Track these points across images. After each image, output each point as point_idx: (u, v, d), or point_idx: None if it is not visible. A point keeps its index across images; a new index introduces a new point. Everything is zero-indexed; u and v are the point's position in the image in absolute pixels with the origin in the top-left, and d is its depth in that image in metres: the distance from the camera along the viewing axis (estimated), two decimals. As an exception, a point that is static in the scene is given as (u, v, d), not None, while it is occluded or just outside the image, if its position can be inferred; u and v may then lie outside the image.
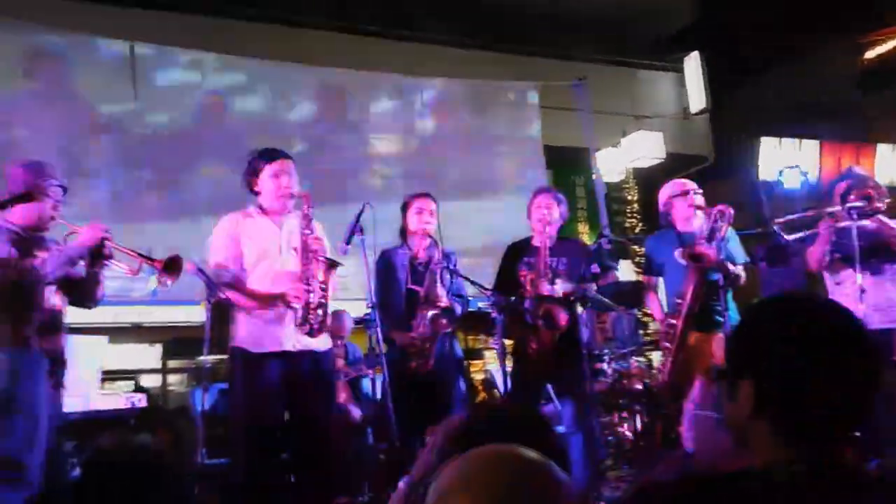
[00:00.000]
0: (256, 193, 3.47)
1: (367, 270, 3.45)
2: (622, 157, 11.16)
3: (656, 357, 6.70)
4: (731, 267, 3.91)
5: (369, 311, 3.51)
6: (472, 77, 7.84)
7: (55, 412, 3.27)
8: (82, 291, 3.38)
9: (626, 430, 5.59)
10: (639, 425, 5.46)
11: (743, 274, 4.02)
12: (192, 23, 9.72)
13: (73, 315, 3.48)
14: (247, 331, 3.32)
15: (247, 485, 3.21)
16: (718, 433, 1.63)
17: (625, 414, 5.68)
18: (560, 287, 3.98)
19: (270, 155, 3.46)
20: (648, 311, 5.20)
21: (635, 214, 11.20)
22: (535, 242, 4.16)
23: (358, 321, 5.10)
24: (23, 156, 3.87)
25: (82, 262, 3.27)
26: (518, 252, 4.22)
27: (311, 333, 3.25)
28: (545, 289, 3.95)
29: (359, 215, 3.42)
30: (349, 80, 7.26)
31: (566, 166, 11.40)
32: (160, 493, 1.38)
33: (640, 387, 5.61)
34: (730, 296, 4.00)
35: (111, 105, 6.37)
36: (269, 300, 3.29)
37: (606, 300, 4.62)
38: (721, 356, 3.76)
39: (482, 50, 10.77)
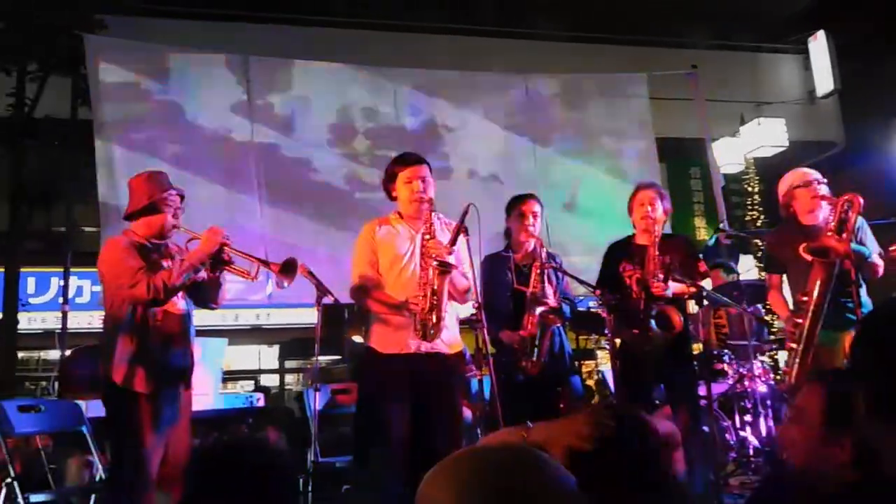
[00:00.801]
0: (394, 199, 3.53)
1: (473, 272, 3.42)
2: (741, 146, 10.66)
3: (783, 357, 6.34)
4: (865, 259, 3.62)
5: (475, 311, 3.49)
6: (580, 71, 7.69)
7: (186, 409, 3.44)
8: (205, 294, 3.54)
9: (749, 435, 5.32)
10: (763, 430, 5.18)
11: (880, 265, 3.71)
12: (302, 34, 10.10)
13: (197, 317, 3.66)
14: (378, 332, 3.40)
15: (367, 483, 3.27)
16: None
17: (748, 418, 5.40)
18: (672, 286, 3.82)
19: (404, 160, 3.51)
20: (772, 308, 4.90)
21: (756, 207, 10.68)
22: (639, 241, 4.03)
23: (464, 322, 5.10)
24: (165, 167, 4.08)
25: (204, 267, 3.41)
26: (619, 252, 4.10)
27: (425, 337, 3.26)
28: (656, 289, 3.80)
29: (463, 216, 3.40)
30: (456, 80, 7.27)
31: (681, 158, 11.00)
32: (273, 490, 1.40)
33: (764, 389, 5.33)
34: (863, 291, 3.71)
35: (228, 118, 6.65)
36: (396, 306, 3.34)
37: (722, 297, 4.42)
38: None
39: (590, 43, 10.60)
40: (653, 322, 3.80)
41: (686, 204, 11.15)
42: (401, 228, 3.48)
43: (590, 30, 10.74)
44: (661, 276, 3.81)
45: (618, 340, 4.01)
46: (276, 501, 1.38)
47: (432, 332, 3.24)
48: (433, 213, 3.36)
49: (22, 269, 9.49)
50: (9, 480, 3.96)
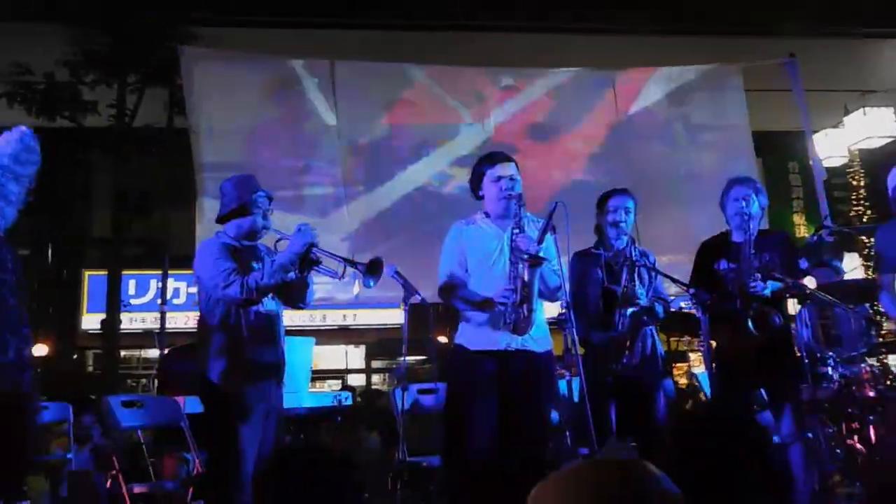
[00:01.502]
0: (480, 198, 3.52)
1: (561, 270, 3.34)
2: (845, 138, 10.13)
3: (892, 361, 5.97)
4: None
5: (563, 311, 3.41)
6: (670, 64, 7.44)
7: (279, 407, 3.51)
8: (293, 294, 3.59)
9: (856, 443, 5.00)
10: (872, 437, 4.87)
11: None
12: (387, 37, 10.22)
13: (285, 318, 3.72)
14: (468, 330, 3.40)
15: (459, 480, 3.24)
16: None
17: (855, 424, 5.09)
18: (770, 286, 3.63)
19: (491, 159, 3.51)
20: (882, 310, 4.60)
21: (862, 202, 10.12)
22: (734, 238, 3.88)
23: (552, 322, 5.01)
24: (266, 177, 4.18)
25: (293, 267, 3.47)
26: (713, 250, 3.93)
27: (517, 330, 3.24)
28: (753, 288, 3.62)
29: (551, 214, 3.33)
30: (534, 78, 7.17)
31: (778, 152, 10.54)
32: (361, 488, 1.42)
33: (872, 394, 5.01)
34: None
35: (316, 119, 6.77)
36: (479, 303, 3.34)
37: (826, 296, 4.17)
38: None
39: (679, 35, 10.28)
40: (750, 323, 3.61)
41: (784, 200, 10.70)
42: (488, 227, 3.47)
43: (675, 22, 10.41)
44: (759, 274, 3.64)
45: (713, 342, 3.84)
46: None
47: (523, 325, 3.22)
48: (522, 207, 3.33)
49: (123, 272, 10.00)
50: (114, 472, 4.14)
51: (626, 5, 10.35)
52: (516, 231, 3.28)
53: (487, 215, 3.50)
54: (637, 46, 10.00)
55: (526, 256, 3.19)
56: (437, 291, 3.50)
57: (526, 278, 3.21)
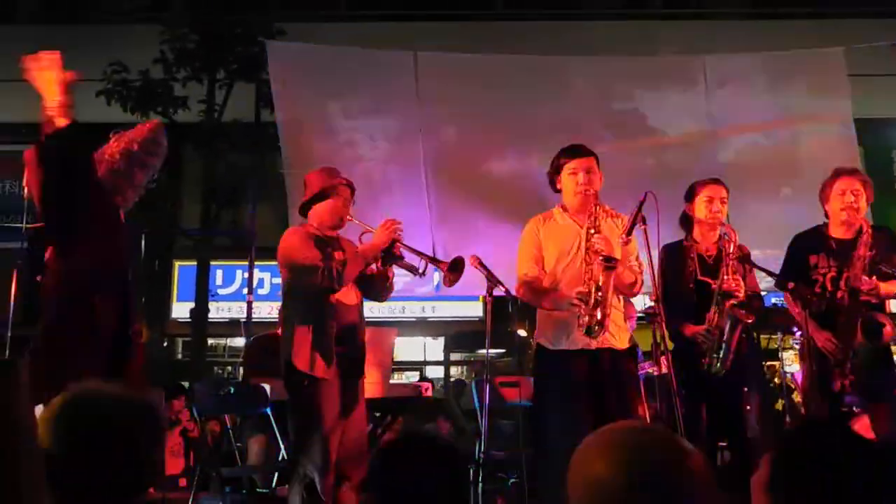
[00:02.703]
0: (558, 191, 3.49)
1: (651, 263, 3.22)
2: (953, 125, 9.48)
3: None
4: None
5: (653, 305, 3.30)
6: (768, 48, 7.10)
7: (361, 395, 3.54)
8: (373, 287, 3.62)
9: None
10: None
11: None
12: (468, 29, 10.17)
13: (367, 309, 3.74)
14: (546, 328, 3.37)
15: (548, 480, 3.20)
16: None
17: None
18: (883, 287, 3.42)
19: (570, 152, 3.46)
20: None
21: (972, 192, 9.45)
22: (834, 233, 3.69)
23: (641, 316, 4.87)
24: (350, 169, 4.22)
25: (375, 260, 3.48)
26: (810, 243, 3.74)
27: (590, 333, 3.17)
28: (866, 285, 3.42)
29: (640, 205, 3.22)
30: (631, 66, 6.98)
31: (882, 140, 9.94)
32: (442, 481, 1.40)
33: None
34: None
35: (402, 112, 6.77)
36: (556, 302, 3.31)
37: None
38: None
39: (777, 19, 9.81)
40: (862, 335, 3.42)
41: (887, 191, 10.07)
42: (565, 222, 3.42)
43: (775, 4, 9.95)
44: (872, 276, 3.46)
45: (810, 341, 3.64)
46: (449, 492, 1.40)
47: (597, 328, 3.15)
48: (597, 206, 3.28)
49: (211, 263, 10.33)
50: (203, 455, 4.27)
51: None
52: (591, 231, 3.23)
53: (565, 209, 3.45)
54: (734, 30, 9.61)
55: (601, 259, 3.13)
56: (516, 288, 3.47)
57: (600, 282, 3.14)
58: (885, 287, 3.51)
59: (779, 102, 6.67)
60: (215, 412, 4.94)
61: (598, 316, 3.13)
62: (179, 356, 12.32)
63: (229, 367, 12.11)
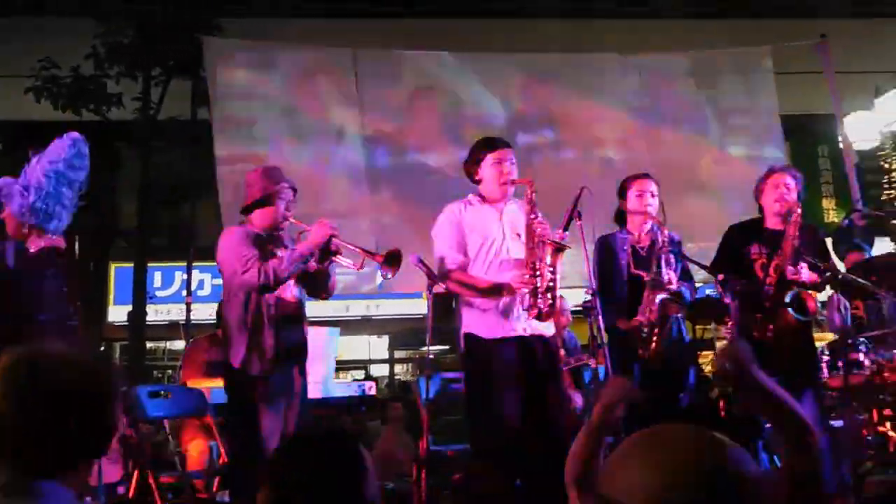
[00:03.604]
0: (478, 182, 3.50)
1: (587, 257, 3.30)
2: (876, 120, 9.91)
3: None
4: None
5: (589, 298, 3.37)
6: (698, 47, 7.32)
7: (302, 394, 3.51)
8: (315, 284, 3.61)
9: (889, 430, 4.90)
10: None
11: None
12: (410, 26, 10.16)
13: (309, 309, 3.72)
14: (479, 317, 3.33)
15: (488, 467, 3.21)
16: None
17: (887, 411, 4.99)
18: (806, 272, 3.57)
19: (491, 144, 3.49)
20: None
21: (894, 185, 9.91)
22: (770, 225, 3.83)
23: (577, 309, 4.97)
24: (289, 168, 4.17)
25: (313, 257, 3.47)
26: (746, 234, 3.88)
27: (541, 317, 3.20)
28: (790, 273, 3.56)
29: (576, 200, 3.29)
30: (564, 64, 7.10)
31: (808, 136, 10.36)
32: (337, 476, 1.42)
33: (905, 380, 4.90)
34: None
35: (340, 111, 6.75)
36: (494, 288, 3.29)
37: (863, 282, 4.09)
38: None
39: (707, 18, 10.13)
40: (791, 309, 3.56)
41: (813, 185, 10.52)
42: (485, 210, 3.44)
43: (706, 5, 10.28)
44: (801, 263, 3.62)
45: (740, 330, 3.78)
46: (344, 487, 1.39)
47: (549, 311, 3.18)
48: (534, 193, 3.31)
49: (149, 264, 10.09)
50: (141, 462, 4.18)
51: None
52: (533, 217, 3.26)
53: (482, 198, 3.47)
54: (667, 30, 9.87)
55: (550, 241, 3.16)
56: (441, 276, 3.41)
57: (549, 264, 3.18)
58: (808, 276, 3.66)
59: (709, 99, 6.88)
60: (154, 417, 4.84)
61: (550, 299, 3.17)
62: (117, 361, 12.01)
63: (169, 371, 11.87)
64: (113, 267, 11.46)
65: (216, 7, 9.27)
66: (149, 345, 10.98)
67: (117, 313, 10.99)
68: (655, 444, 1.05)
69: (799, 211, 3.70)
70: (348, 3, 10.99)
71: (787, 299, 3.58)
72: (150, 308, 9.99)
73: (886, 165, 10.05)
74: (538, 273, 3.18)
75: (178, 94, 9.35)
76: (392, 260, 3.41)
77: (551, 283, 3.18)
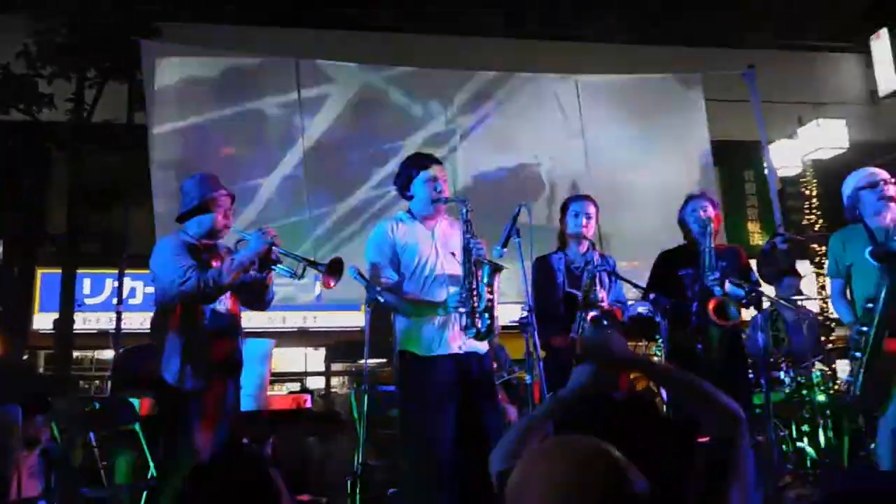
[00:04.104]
0: (409, 198, 3.49)
1: (524, 274, 3.36)
2: (798, 148, 10.39)
3: (841, 367, 6.13)
4: None
5: (525, 315, 3.44)
6: (632, 72, 7.56)
7: (235, 408, 3.47)
8: (253, 295, 3.56)
9: (807, 446, 5.13)
10: (822, 440, 5.00)
11: None
12: (353, 38, 10.16)
13: (245, 319, 3.67)
14: (414, 334, 3.32)
15: (422, 486, 3.22)
16: None
17: (806, 428, 5.22)
18: (728, 287, 3.74)
19: (423, 161, 3.49)
20: (835, 316, 4.74)
21: (814, 211, 10.39)
22: (692, 247, 4.00)
23: (513, 325, 5.05)
24: (228, 176, 4.10)
25: (253, 267, 3.42)
26: (673, 259, 4.06)
27: (479, 337, 3.22)
28: (709, 280, 3.77)
29: (514, 218, 3.35)
30: (504, 82, 7.22)
31: (735, 162, 10.80)
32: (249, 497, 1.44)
33: (823, 398, 5.14)
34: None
35: (280, 119, 6.71)
36: (430, 305, 3.29)
37: (783, 302, 4.30)
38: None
39: (642, 44, 10.48)
40: (711, 313, 3.70)
41: (740, 208, 10.94)
42: (418, 227, 3.44)
43: (642, 30, 10.63)
44: (717, 273, 3.78)
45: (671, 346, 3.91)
46: None
47: (485, 331, 3.19)
48: (469, 212, 3.32)
49: (78, 271, 9.76)
50: (66, 475, 4.05)
51: (592, 14, 10.53)
52: (469, 236, 3.27)
53: (412, 216, 3.47)
54: (602, 54, 10.15)
55: (488, 262, 3.20)
56: (377, 294, 3.36)
57: (487, 283, 3.21)
58: (730, 289, 3.82)
59: (643, 122, 7.11)
60: (79, 429, 4.69)
61: (489, 320, 3.19)
62: (41, 370, 11.55)
63: (96, 381, 11.48)
64: (39, 273, 11.05)
65: (155, 10, 9.08)
66: (76, 354, 10.60)
67: (43, 321, 10.58)
68: (556, 457, 1.13)
69: (713, 225, 3.88)
70: (291, 12, 10.94)
71: (710, 307, 3.72)
72: (77, 316, 9.66)
73: (808, 192, 10.54)
74: (476, 293, 3.20)
75: (114, 97, 9.11)
76: (334, 269, 3.37)
77: (489, 304, 3.20)
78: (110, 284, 10.75)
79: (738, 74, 7.13)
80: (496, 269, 3.23)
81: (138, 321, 9.80)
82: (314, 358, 12.64)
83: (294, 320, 11.27)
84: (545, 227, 4.10)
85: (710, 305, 3.72)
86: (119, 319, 7.89)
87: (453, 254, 3.36)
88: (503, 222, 3.48)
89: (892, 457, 3.60)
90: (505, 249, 3.40)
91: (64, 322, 9.35)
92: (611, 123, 7.06)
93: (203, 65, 6.69)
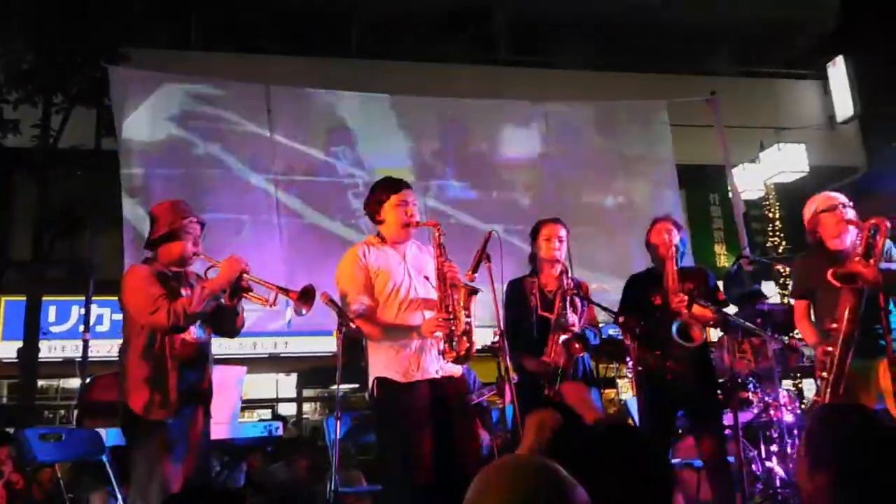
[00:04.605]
0: (379, 223, 3.49)
1: (496, 298, 3.38)
2: (761, 172, 10.62)
3: (808, 386, 6.23)
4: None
5: (496, 339, 3.46)
6: (600, 98, 7.72)
7: (205, 437, 3.42)
8: (223, 323, 3.52)
9: (776, 466, 5.20)
10: (790, 460, 5.06)
11: None
12: (323, 65, 10.21)
13: (216, 346, 3.64)
14: (391, 361, 3.29)
15: None
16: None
17: (774, 448, 5.29)
18: (695, 309, 3.80)
19: (394, 185, 3.48)
20: (799, 337, 4.83)
21: (777, 233, 10.61)
22: (659, 270, 4.05)
23: (486, 349, 5.06)
24: (198, 202, 4.07)
25: (223, 295, 3.40)
26: (641, 283, 4.12)
27: (458, 361, 3.21)
28: (677, 304, 3.81)
29: (485, 243, 3.38)
30: (474, 109, 7.31)
31: (700, 185, 11.01)
32: None
33: (791, 418, 5.22)
34: (894, 317, 3.64)
35: (250, 146, 6.70)
36: (404, 330, 3.28)
37: (748, 324, 4.37)
38: (887, 384, 3.44)
39: (609, 70, 10.70)
40: (675, 332, 3.75)
41: (706, 231, 11.13)
42: (389, 252, 3.43)
43: (608, 57, 10.86)
44: (684, 297, 3.82)
45: (640, 369, 3.96)
46: None
47: (463, 354, 3.17)
48: (442, 236, 3.33)
49: (43, 298, 9.58)
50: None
51: (556, 41, 10.73)
52: (442, 259, 3.27)
53: (383, 240, 3.45)
54: (570, 81, 10.32)
55: (463, 285, 3.20)
56: (351, 318, 3.32)
57: (464, 307, 3.21)
58: (698, 309, 3.88)
59: (612, 147, 7.24)
60: (45, 461, 4.58)
61: (467, 343, 3.18)
62: (5, 400, 11.28)
63: (62, 411, 11.22)
64: (3, 300, 10.83)
65: (123, 36, 9.04)
66: (41, 383, 10.36)
67: (6, 349, 10.34)
68: (505, 475, 1.22)
69: (674, 249, 3.94)
70: (260, 40, 10.97)
71: (674, 329, 3.78)
72: (42, 344, 9.46)
73: (771, 214, 10.76)
74: (454, 316, 3.19)
75: (82, 122, 9.02)
76: (306, 297, 3.33)
77: (467, 327, 3.20)
78: (76, 311, 10.56)
79: (701, 101, 7.30)
80: (472, 292, 3.24)
81: (105, 349, 9.63)
82: (286, 384, 12.52)
83: (265, 346, 11.16)
84: (516, 251, 4.13)
85: (674, 328, 3.77)
86: (86, 347, 7.75)
87: (426, 277, 3.35)
88: (474, 247, 3.50)
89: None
90: (476, 275, 3.41)
91: (28, 350, 9.15)
92: (579, 148, 7.17)
93: (172, 90, 6.67)
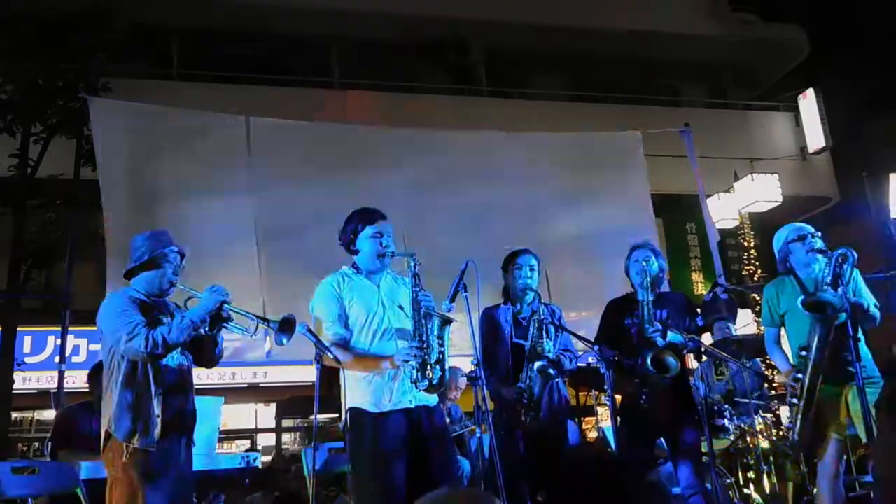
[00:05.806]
0: (354, 253, 3.50)
1: (472, 327, 3.41)
2: (735, 202, 10.79)
3: (785, 412, 6.29)
4: (863, 311, 3.65)
5: (474, 368, 3.48)
6: (575, 129, 7.85)
7: (188, 466, 3.41)
8: (203, 352, 3.53)
9: (753, 492, 5.24)
10: (767, 487, 5.10)
11: (877, 317, 3.74)
12: (303, 95, 10.28)
13: (194, 375, 3.63)
14: (365, 390, 3.27)
15: None
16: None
17: (751, 474, 5.33)
18: (669, 336, 3.85)
19: (369, 216, 3.50)
20: (772, 363, 4.90)
21: (752, 261, 10.77)
22: (638, 297, 4.09)
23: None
24: (177, 232, 4.06)
25: (203, 325, 3.40)
26: (620, 309, 4.17)
27: (430, 389, 3.20)
28: (650, 333, 3.85)
29: (462, 273, 3.41)
30: (451, 140, 7.39)
31: (677, 214, 11.15)
32: None
33: (766, 445, 5.27)
34: (863, 345, 3.72)
35: (229, 175, 6.71)
36: (379, 360, 3.27)
37: (721, 352, 4.43)
38: (856, 410, 3.51)
39: (584, 102, 10.91)
40: (648, 363, 3.79)
41: (683, 259, 11.26)
42: (364, 282, 3.43)
43: (584, 90, 11.07)
44: (657, 324, 3.88)
45: (618, 397, 4.00)
46: None
47: (437, 384, 3.17)
48: (417, 265, 3.32)
49: (19, 328, 9.45)
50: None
51: (533, 72, 10.92)
52: (417, 289, 3.28)
53: (358, 270, 3.46)
54: (547, 112, 10.49)
55: (438, 315, 3.22)
56: (325, 350, 3.28)
57: (437, 336, 3.23)
58: (671, 338, 3.93)
59: (588, 176, 7.34)
60: (18, 495, 4.51)
61: (440, 371, 3.19)
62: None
63: (36, 444, 11.02)
64: (-24, 331, 10.64)
65: (103, 66, 9.07)
66: (14, 415, 10.18)
67: (-22, 381, 10.15)
68: None
69: (650, 278, 3.99)
70: (239, 70, 11.04)
71: (648, 360, 3.83)
72: (17, 375, 9.31)
73: (745, 243, 10.93)
74: (427, 346, 3.19)
75: (60, 152, 9.00)
76: (286, 326, 3.34)
77: (441, 356, 3.21)
78: (52, 342, 10.43)
79: (676, 132, 7.45)
80: (446, 321, 3.25)
81: (82, 380, 9.43)
82: (265, 414, 12.40)
83: (244, 376, 11.08)
84: (494, 280, 4.17)
85: (648, 359, 3.82)
86: (61, 378, 7.65)
87: (401, 307, 3.37)
88: (451, 277, 3.53)
89: (832, 501, 3.73)
90: (453, 304, 3.44)
91: (2, 381, 9.01)
92: (555, 178, 7.26)
93: (153, 121, 6.68)
